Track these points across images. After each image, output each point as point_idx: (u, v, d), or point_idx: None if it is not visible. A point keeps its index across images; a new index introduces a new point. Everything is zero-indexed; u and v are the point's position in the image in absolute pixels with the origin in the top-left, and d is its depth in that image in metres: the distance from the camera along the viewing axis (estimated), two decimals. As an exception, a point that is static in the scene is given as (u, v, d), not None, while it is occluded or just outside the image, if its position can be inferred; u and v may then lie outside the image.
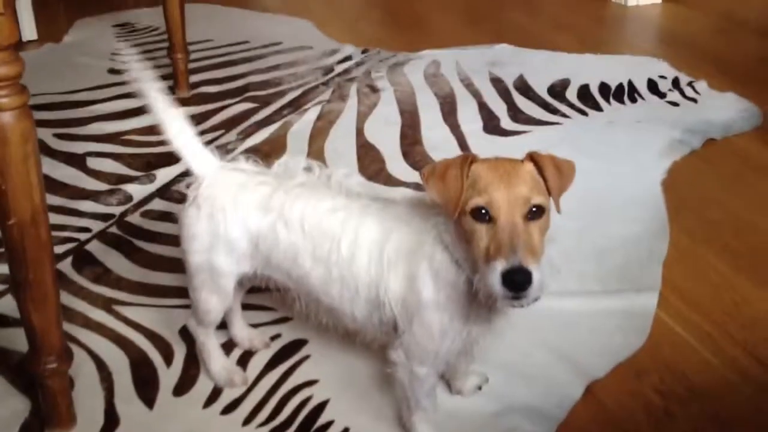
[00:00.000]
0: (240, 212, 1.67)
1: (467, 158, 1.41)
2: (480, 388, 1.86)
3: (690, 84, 3.62)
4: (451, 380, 1.85)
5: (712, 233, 2.52)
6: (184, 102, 3.34)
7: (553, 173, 1.41)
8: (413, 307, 1.54)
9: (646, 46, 4.29)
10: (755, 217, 2.63)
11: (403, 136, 3.14)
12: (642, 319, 2.11)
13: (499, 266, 1.31)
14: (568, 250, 2.31)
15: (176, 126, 1.73)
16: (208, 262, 1.71)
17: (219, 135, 3.11)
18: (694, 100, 3.49)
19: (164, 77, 3.47)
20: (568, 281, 2.21)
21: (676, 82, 3.65)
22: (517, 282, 1.30)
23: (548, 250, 1.41)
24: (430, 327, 1.54)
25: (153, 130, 3.07)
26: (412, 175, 2.83)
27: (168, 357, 1.96)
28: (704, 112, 3.36)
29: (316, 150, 3.03)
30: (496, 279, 1.31)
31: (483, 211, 1.36)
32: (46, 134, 3.01)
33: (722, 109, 3.39)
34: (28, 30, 4.14)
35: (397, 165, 2.93)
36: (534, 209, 1.36)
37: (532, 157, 1.42)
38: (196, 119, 3.21)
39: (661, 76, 3.71)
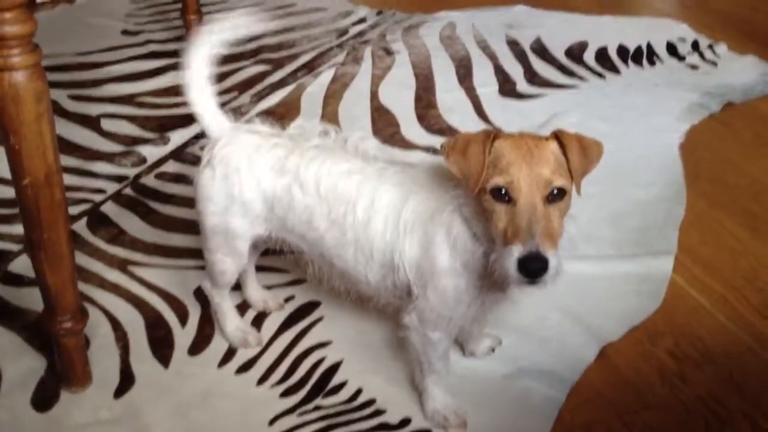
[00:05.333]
0: (255, 174, 1.67)
1: (490, 134, 1.38)
2: (493, 350, 1.86)
3: (710, 46, 3.56)
4: (464, 343, 1.85)
5: (730, 197, 2.50)
6: (197, 64, 3.32)
7: (577, 154, 1.38)
8: (428, 273, 1.54)
9: (665, 8, 4.21)
10: (774, 182, 2.60)
11: (418, 99, 3.12)
12: (657, 283, 2.10)
13: (516, 251, 1.29)
14: (584, 215, 2.29)
15: (198, 83, 1.71)
16: (223, 224, 1.71)
17: (232, 98, 3.09)
18: (714, 63, 3.43)
19: (178, 38, 3.48)
20: (584, 245, 2.19)
21: (695, 45, 3.59)
22: (533, 269, 1.29)
23: (568, 227, 1.39)
24: (444, 293, 1.54)
25: (167, 92, 3.09)
26: (427, 139, 2.82)
27: (183, 317, 1.97)
28: (724, 75, 3.31)
29: (329, 113, 3.01)
30: (512, 264, 1.30)
31: (503, 191, 1.34)
32: (60, 95, 3.00)
33: (742, 72, 3.34)
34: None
35: (411, 128, 2.90)
36: (555, 191, 1.34)
37: (557, 136, 1.39)
38: (210, 81, 3.19)
39: (681, 39, 3.64)
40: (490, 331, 1.86)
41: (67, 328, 1.66)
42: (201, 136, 2.78)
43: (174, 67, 3.28)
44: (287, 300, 2.03)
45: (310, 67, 3.37)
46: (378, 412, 1.72)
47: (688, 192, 2.50)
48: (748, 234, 2.32)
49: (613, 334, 1.93)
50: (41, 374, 1.79)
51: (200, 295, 2.00)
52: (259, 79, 3.25)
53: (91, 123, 2.87)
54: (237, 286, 1.95)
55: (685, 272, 2.15)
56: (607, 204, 2.41)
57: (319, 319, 1.97)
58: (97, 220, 2.33)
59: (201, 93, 1.73)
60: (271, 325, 1.95)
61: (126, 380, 1.79)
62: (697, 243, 2.27)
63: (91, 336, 1.88)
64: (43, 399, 1.73)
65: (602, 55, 3.50)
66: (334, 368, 1.83)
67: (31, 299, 1.96)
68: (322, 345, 1.89)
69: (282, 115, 2.93)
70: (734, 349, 1.89)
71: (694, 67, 3.41)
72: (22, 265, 2.10)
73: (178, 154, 2.69)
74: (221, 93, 3.11)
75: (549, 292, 1.96)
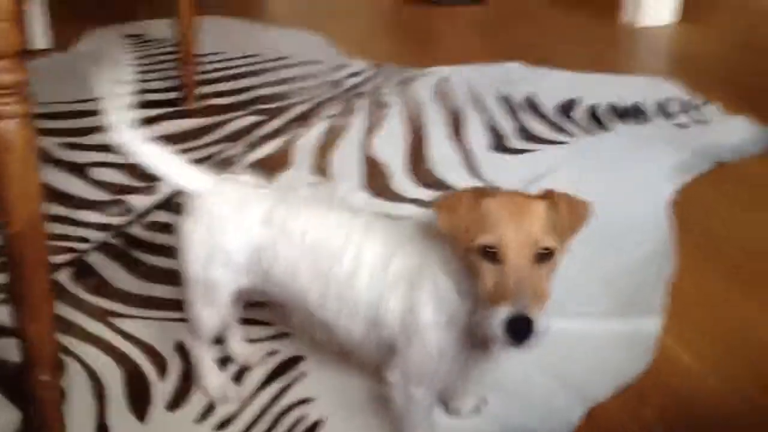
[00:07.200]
0: (240, 225, 1.65)
1: (479, 192, 1.38)
2: (479, 410, 1.83)
3: (701, 106, 3.60)
4: (448, 401, 1.82)
5: (720, 257, 2.49)
6: (191, 114, 3.34)
7: (566, 214, 1.37)
8: (413, 327, 1.51)
9: (657, 67, 4.27)
10: (764, 242, 2.59)
11: (410, 152, 3.13)
12: (645, 342, 2.07)
13: (503, 313, 1.28)
14: (571, 274, 2.28)
15: (157, 158, 1.71)
16: (205, 274, 1.69)
17: (225, 147, 3.10)
18: (705, 122, 3.46)
19: (173, 89, 3.51)
20: (571, 303, 2.18)
21: (686, 104, 3.62)
22: (520, 331, 1.27)
23: (555, 286, 1.38)
24: (429, 348, 1.51)
25: (157, 141, 3.09)
26: (418, 192, 2.81)
27: (162, 371, 1.93)
28: (715, 135, 3.33)
29: (321, 164, 3.00)
30: (499, 325, 1.28)
31: (490, 250, 1.33)
32: (50, 143, 3.00)
33: (733, 131, 3.37)
34: (40, 38, 4.16)
35: (402, 181, 2.90)
36: (544, 251, 1.33)
37: (547, 196, 1.39)
38: (203, 131, 3.21)
39: (672, 98, 3.68)
40: (476, 389, 1.83)
41: (44, 382, 1.62)
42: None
43: (166, 116, 3.30)
44: (270, 354, 1.99)
45: (304, 119, 3.39)
46: (359, 473, 1.68)
47: (678, 251, 2.49)
48: (738, 294, 2.30)
49: (600, 395, 1.89)
50: (17, 427, 1.75)
51: (181, 348, 1.97)
52: (252, 130, 3.26)
53: (79, 171, 2.87)
54: (221, 340, 1.92)
55: (674, 332, 2.12)
56: (595, 262, 2.39)
57: (302, 375, 1.93)
58: (82, 270, 2.31)
59: (161, 160, 1.71)
60: (253, 380, 1.92)
61: (102, 435, 1.75)
62: (687, 303, 2.25)
63: (68, 388, 1.84)
64: (17, 453, 1.69)
65: (593, 113, 3.53)
66: (315, 426, 1.79)
67: (12, 350, 1.92)
68: (304, 401, 1.85)
69: (274, 166, 2.93)
70: (724, 413, 1.86)
71: (684, 126, 3.43)
72: (3, 315, 2.07)
73: (166, 203, 2.68)
74: (214, 143, 3.12)
75: (536, 351, 1.96)
